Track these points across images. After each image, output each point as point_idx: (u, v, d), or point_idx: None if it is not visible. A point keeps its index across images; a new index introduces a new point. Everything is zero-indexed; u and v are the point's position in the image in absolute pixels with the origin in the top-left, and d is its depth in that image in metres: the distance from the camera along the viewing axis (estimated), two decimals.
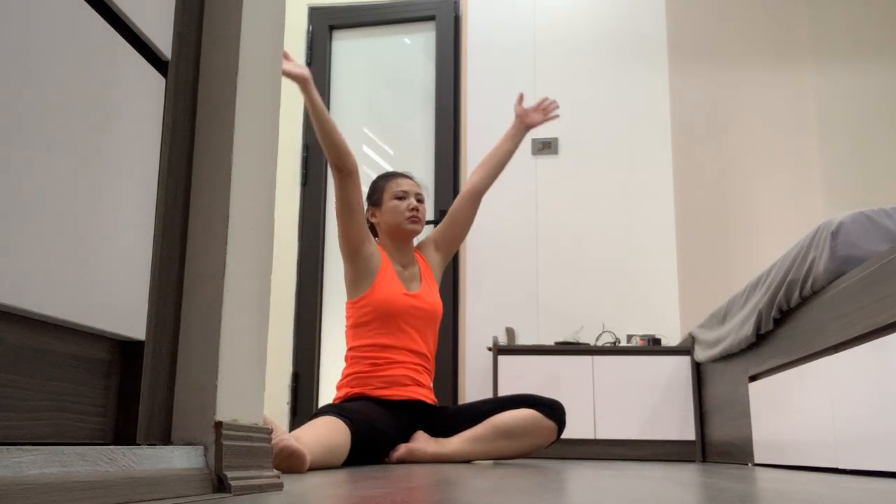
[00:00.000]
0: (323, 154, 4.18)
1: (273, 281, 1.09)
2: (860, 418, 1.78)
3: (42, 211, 0.63)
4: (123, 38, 0.77)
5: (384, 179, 2.52)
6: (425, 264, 2.53)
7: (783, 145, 3.95)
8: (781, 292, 2.26)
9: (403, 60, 4.31)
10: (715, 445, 3.12)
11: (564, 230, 3.91)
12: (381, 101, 4.28)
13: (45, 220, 0.64)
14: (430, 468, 1.85)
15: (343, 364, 2.42)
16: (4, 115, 0.59)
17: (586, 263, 3.85)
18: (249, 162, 0.99)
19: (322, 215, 4.13)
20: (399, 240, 2.47)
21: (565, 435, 3.16)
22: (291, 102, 4.23)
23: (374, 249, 2.41)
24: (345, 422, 1.98)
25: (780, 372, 2.36)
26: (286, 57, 2.19)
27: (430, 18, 4.26)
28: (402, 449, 2.19)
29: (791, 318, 2.27)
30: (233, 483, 0.85)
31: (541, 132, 4.02)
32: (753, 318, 2.48)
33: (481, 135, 3.98)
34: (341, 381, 2.38)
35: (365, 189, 2.49)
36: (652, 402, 3.30)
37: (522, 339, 3.76)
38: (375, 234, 2.52)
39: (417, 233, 2.50)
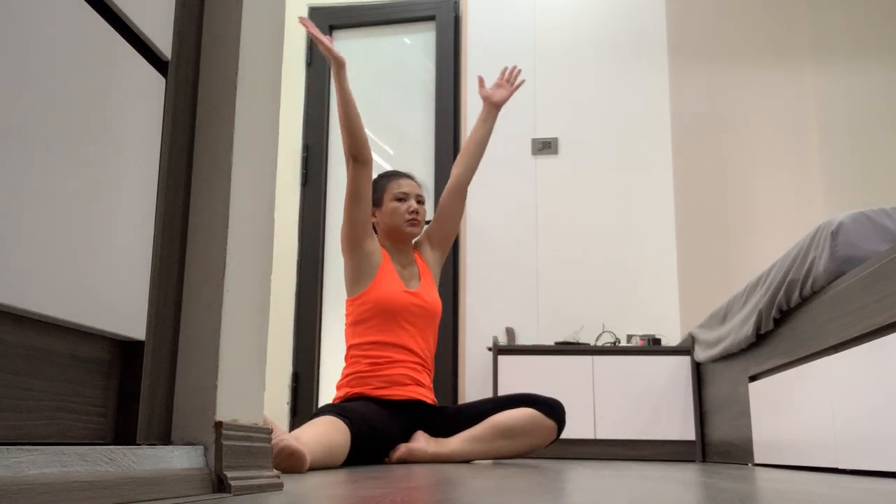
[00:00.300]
0: (323, 154, 4.19)
1: (273, 281, 1.09)
2: (860, 418, 1.78)
3: (42, 211, 0.63)
4: (123, 38, 0.77)
5: (385, 179, 2.52)
6: (423, 263, 2.53)
7: (783, 145, 3.95)
8: (781, 292, 2.26)
9: (403, 60, 4.31)
10: (715, 445, 3.12)
11: (564, 230, 3.91)
12: (381, 101, 4.28)
13: (45, 220, 0.64)
14: (430, 468, 1.85)
15: (343, 364, 2.42)
16: (4, 115, 0.59)
17: (586, 263, 3.85)
18: (249, 162, 0.99)
19: (322, 215, 4.13)
20: (398, 241, 2.47)
21: (565, 435, 3.16)
22: (291, 102, 4.24)
23: (376, 246, 2.41)
24: (344, 421, 1.98)
25: (780, 372, 2.36)
26: (321, 39, 2.27)
27: (430, 18, 4.26)
28: (402, 449, 2.19)
29: (791, 318, 2.27)
30: (233, 483, 0.85)
31: (541, 132, 4.02)
32: (753, 318, 2.48)
33: None
34: (341, 380, 2.38)
35: None
36: (652, 402, 3.30)
37: (522, 339, 3.76)
38: (375, 233, 2.52)
39: (416, 235, 2.50)
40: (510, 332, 3.69)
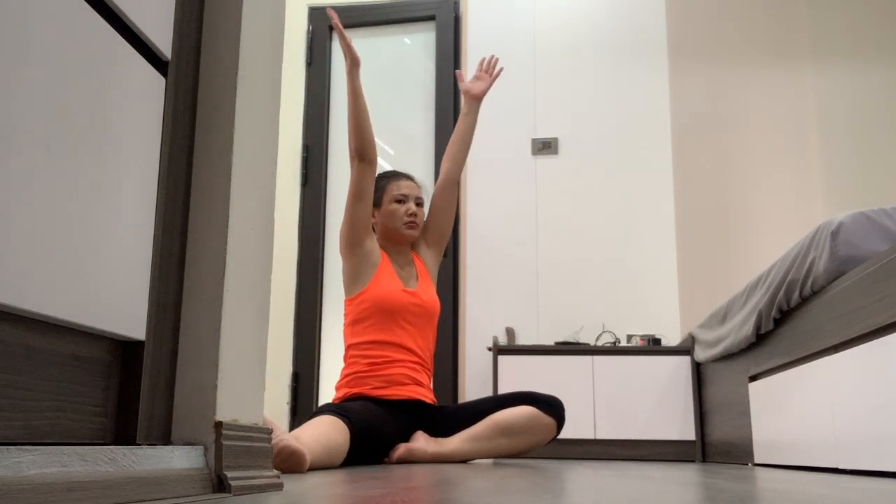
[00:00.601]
0: (323, 154, 4.19)
1: (273, 281, 1.09)
2: (860, 418, 1.78)
3: (42, 211, 0.63)
4: (123, 38, 0.77)
5: (385, 179, 2.52)
6: (421, 263, 2.53)
7: (783, 145, 3.95)
8: (781, 292, 2.26)
9: (403, 60, 4.30)
10: (715, 445, 3.12)
11: (564, 230, 3.91)
12: (381, 101, 4.28)
13: (45, 220, 0.64)
14: (430, 468, 1.85)
15: (342, 364, 2.42)
16: (5, 115, 0.59)
17: (586, 263, 3.85)
18: (249, 162, 0.99)
19: (322, 215, 4.13)
20: (396, 242, 2.48)
21: (565, 435, 3.16)
22: (291, 102, 4.24)
23: (375, 245, 2.41)
24: (344, 421, 1.98)
25: (780, 372, 2.36)
26: (344, 35, 2.30)
27: (430, 18, 4.26)
28: (402, 449, 2.19)
29: (791, 318, 2.27)
30: (233, 483, 0.85)
31: (541, 132, 4.02)
32: (753, 318, 2.48)
33: (481, 134, 3.97)
34: (340, 381, 2.38)
35: None
36: (652, 402, 3.30)
37: (522, 339, 3.76)
38: (374, 232, 2.52)
39: (414, 238, 2.50)
40: (510, 332, 3.69)
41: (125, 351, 0.80)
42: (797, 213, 3.85)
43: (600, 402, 3.30)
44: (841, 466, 1.88)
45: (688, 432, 3.26)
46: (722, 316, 2.93)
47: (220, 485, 0.84)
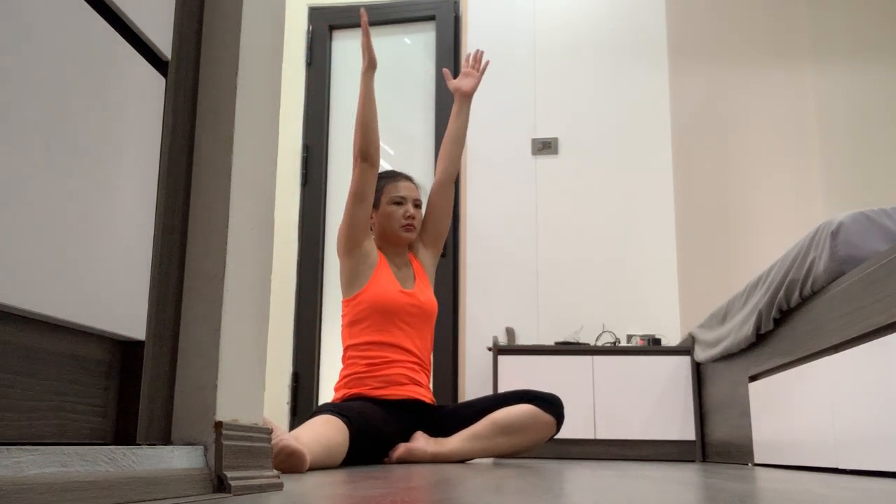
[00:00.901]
0: (323, 154, 4.19)
1: (273, 281, 1.09)
2: (860, 418, 1.78)
3: (42, 211, 0.63)
4: (123, 38, 0.77)
5: (383, 180, 2.51)
6: (418, 264, 2.53)
7: (783, 145, 3.95)
8: (781, 292, 2.26)
9: (403, 60, 4.30)
10: (715, 445, 3.12)
11: (564, 230, 3.91)
12: (381, 101, 4.24)
13: (45, 220, 0.64)
14: (430, 468, 1.85)
15: (341, 365, 2.42)
16: (4, 115, 0.59)
17: (586, 263, 3.85)
18: (249, 162, 0.99)
19: (322, 215, 4.13)
20: (394, 244, 2.47)
21: (565, 435, 3.17)
22: (291, 102, 4.23)
23: (373, 247, 2.41)
24: (343, 421, 1.98)
25: (780, 372, 2.36)
26: (368, 36, 2.36)
27: (430, 18, 4.26)
28: (402, 448, 2.19)
29: (791, 318, 2.27)
30: (233, 483, 0.85)
31: (541, 132, 4.02)
32: (753, 318, 2.48)
33: (481, 134, 3.98)
34: (339, 382, 2.37)
35: None
36: (652, 402, 3.30)
37: (522, 339, 3.76)
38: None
39: (411, 240, 2.49)
40: (510, 332, 3.69)
41: (125, 351, 0.80)
42: (797, 213, 3.85)
43: (600, 401, 3.30)
44: (841, 466, 1.88)
45: (688, 432, 3.26)
46: (722, 316, 2.93)
47: (220, 485, 0.84)
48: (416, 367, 2.37)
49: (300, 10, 4.33)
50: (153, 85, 0.82)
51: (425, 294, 2.44)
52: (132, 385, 0.80)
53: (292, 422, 3.85)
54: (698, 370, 3.32)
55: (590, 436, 3.28)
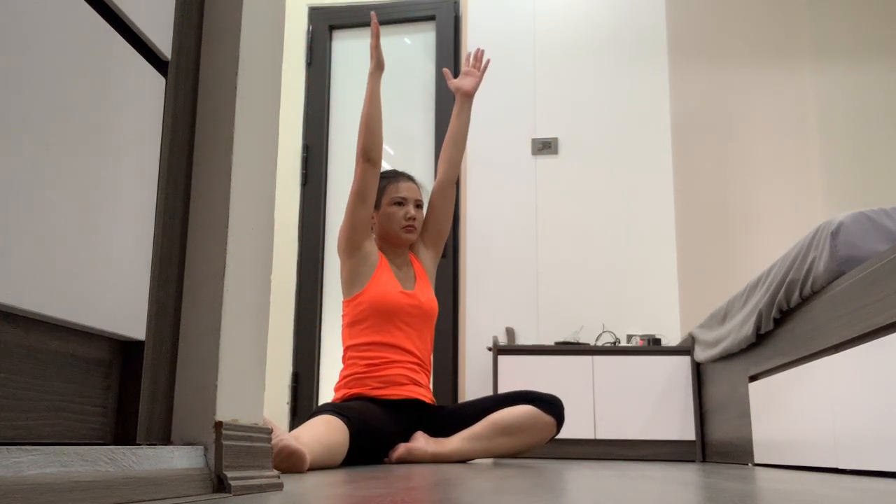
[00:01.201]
0: (323, 154, 4.19)
1: (273, 281, 1.09)
2: (860, 418, 1.78)
3: (42, 211, 0.63)
4: (123, 38, 0.77)
5: (384, 180, 2.51)
6: (419, 264, 2.52)
7: (783, 145, 3.95)
8: (781, 292, 2.26)
9: (403, 60, 4.30)
10: (715, 445, 3.12)
11: (564, 230, 3.91)
12: (381, 101, 4.28)
13: (44, 220, 0.64)
14: (430, 468, 1.85)
15: (341, 366, 2.42)
16: (4, 115, 0.59)
17: (586, 263, 3.85)
18: (249, 162, 0.99)
19: (322, 215, 4.13)
20: (394, 244, 2.47)
21: (565, 435, 3.17)
22: (291, 102, 4.24)
23: (373, 247, 2.41)
24: (343, 421, 1.98)
25: (780, 372, 2.36)
26: (378, 38, 2.38)
27: (430, 18, 4.26)
28: (402, 449, 2.19)
29: (791, 318, 2.27)
30: (233, 483, 0.85)
31: (541, 132, 4.02)
32: (753, 318, 2.48)
33: (481, 134, 3.98)
34: (339, 382, 2.37)
35: None
36: (652, 402, 3.30)
37: (522, 339, 3.76)
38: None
39: (412, 241, 2.49)
40: (510, 332, 3.69)
41: (125, 351, 0.80)
42: (797, 213, 3.85)
43: (600, 402, 3.30)
44: (841, 466, 1.88)
45: (688, 432, 3.26)
46: (722, 316, 2.93)
47: (220, 485, 0.84)
48: (416, 367, 2.37)
49: (300, 10, 4.33)
50: (153, 85, 0.82)
51: (426, 294, 2.44)
52: (132, 385, 0.80)
53: (292, 422, 3.85)
54: (698, 370, 3.32)
55: (590, 436, 3.28)
